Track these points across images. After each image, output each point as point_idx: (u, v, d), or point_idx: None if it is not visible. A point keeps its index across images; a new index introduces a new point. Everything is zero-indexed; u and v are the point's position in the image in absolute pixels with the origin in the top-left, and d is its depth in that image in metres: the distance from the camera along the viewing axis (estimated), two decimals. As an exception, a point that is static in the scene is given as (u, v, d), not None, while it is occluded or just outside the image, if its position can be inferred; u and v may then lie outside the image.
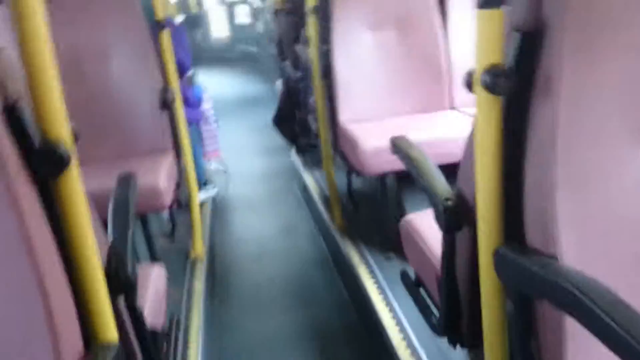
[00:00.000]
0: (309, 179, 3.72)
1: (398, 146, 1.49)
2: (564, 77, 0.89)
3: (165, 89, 2.40)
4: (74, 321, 0.92)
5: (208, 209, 3.49)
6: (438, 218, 1.24)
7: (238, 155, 4.86)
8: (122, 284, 1.06)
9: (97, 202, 1.08)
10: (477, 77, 0.99)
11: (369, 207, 2.92)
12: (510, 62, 0.96)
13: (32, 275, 0.82)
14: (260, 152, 5.09)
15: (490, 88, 0.96)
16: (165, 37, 2.39)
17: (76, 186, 0.88)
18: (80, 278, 0.93)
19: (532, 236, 0.98)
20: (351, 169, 2.51)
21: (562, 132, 0.90)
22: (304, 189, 3.78)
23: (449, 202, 1.21)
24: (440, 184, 1.28)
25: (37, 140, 0.84)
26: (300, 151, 4.22)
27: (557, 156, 0.90)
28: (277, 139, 4.48)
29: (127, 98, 2.41)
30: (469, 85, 1.05)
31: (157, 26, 2.36)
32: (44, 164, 0.84)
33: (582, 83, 0.90)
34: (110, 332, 0.95)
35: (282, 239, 3.32)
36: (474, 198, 1.08)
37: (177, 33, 2.72)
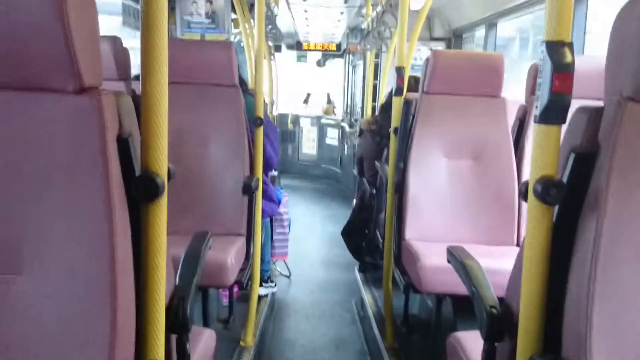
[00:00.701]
0: (367, 297, 3.73)
1: (454, 254, 1.54)
2: (610, 195, 0.95)
3: (250, 177, 2.61)
4: (131, 341, 1.01)
5: (266, 304, 3.56)
6: (481, 326, 1.26)
7: (304, 261, 4.97)
8: (179, 324, 1.16)
9: (173, 265, 1.23)
10: (531, 187, 1.07)
11: (423, 331, 2.88)
12: (564, 177, 1.04)
13: (108, 282, 0.94)
14: (325, 262, 5.17)
15: (542, 197, 1.03)
16: (259, 132, 2.65)
17: (162, 214, 1.03)
18: (146, 302, 1.04)
19: (568, 348, 0.99)
20: (409, 285, 2.53)
21: (605, 247, 0.94)
22: (361, 306, 3.78)
23: (494, 310, 1.24)
24: (489, 293, 1.32)
25: (138, 169, 1.00)
26: (364, 269, 4.27)
27: (597, 271, 0.94)
28: (344, 252, 4.56)
29: (216, 180, 2.64)
30: (524, 195, 1.12)
31: (254, 122, 2.63)
32: (141, 189, 1.00)
33: (628, 202, 0.95)
34: None
35: (331, 351, 3.30)
36: (518, 308, 1.11)
37: (271, 133, 2.99)
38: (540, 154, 1.05)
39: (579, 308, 0.96)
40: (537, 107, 1.05)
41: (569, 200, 1.03)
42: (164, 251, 1.04)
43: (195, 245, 1.45)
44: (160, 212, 1.02)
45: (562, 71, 1.01)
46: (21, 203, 0.95)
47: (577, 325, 0.95)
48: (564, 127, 1.09)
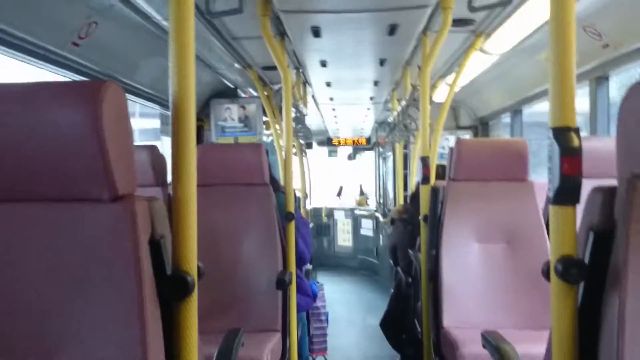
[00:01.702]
0: (411, 391, 3.60)
1: (489, 339, 1.52)
2: (630, 272, 0.96)
3: (283, 272, 2.64)
4: None
5: (305, 402, 3.46)
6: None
7: (344, 356, 4.84)
8: None
9: None
10: (552, 267, 1.08)
11: None
12: (586, 257, 1.06)
13: None
14: (366, 357, 5.02)
15: (563, 277, 1.05)
16: (291, 227, 2.72)
17: (193, 312, 1.08)
18: None
19: None
20: (451, 376, 2.45)
21: (629, 323, 0.94)
22: (405, 401, 3.64)
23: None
24: (525, 377, 1.29)
25: (169, 269, 1.07)
26: (405, 361, 4.13)
27: (624, 348, 0.93)
28: (385, 346, 4.44)
29: (249, 278, 2.68)
30: (546, 274, 1.14)
31: (286, 217, 2.70)
32: (173, 288, 1.06)
33: None
34: None
35: None
36: None
37: (302, 227, 3.06)
38: (558, 234, 1.08)
39: None
40: (549, 189, 1.09)
41: (592, 278, 1.04)
42: (195, 349, 1.08)
43: (227, 343, 1.48)
44: (191, 310, 1.07)
45: (570, 155, 1.06)
46: (60, 305, 1.02)
47: None
48: (581, 207, 1.12)
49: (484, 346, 1.57)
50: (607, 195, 1.08)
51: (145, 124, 5.51)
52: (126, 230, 1.01)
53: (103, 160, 1.00)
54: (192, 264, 1.10)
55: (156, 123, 5.22)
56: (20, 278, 1.03)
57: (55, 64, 2.72)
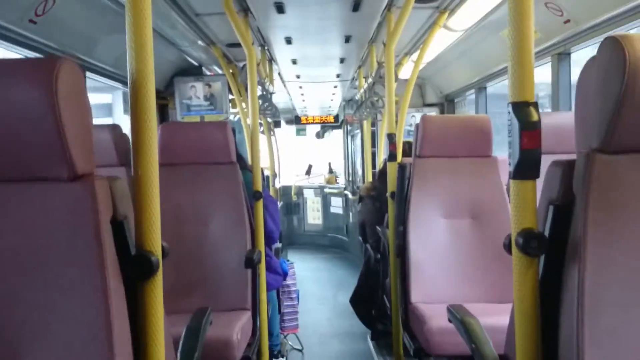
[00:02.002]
0: (382, 366, 3.66)
1: (454, 313, 1.55)
2: (588, 244, 0.99)
3: (252, 251, 2.64)
4: None
5: (277, 379, 3.49)
6: (483, 383, 1.27)
7: (316, 333, 4.89)
8: None
9: (174, 344, 1.25)
10: (513, 241, 1.10)
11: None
12: (545, 229, 1.08)
13: None
14: (338, 333, 5.08)
15: (524, 250, 1.07)
16: (259, 206, 2.70)
17: (158, 292, 1.06)
18: None
19: None
20: (419, 350, 2.49)
21: (589, 294, 0.97)
22: (376, 376, 3.70)
23: (494, 366, 1.24)
24: (488, 348, 1.32)
25: (133, 249, 1.05)
26: (376, 337, 4.20)
27: (584, 317, 0.96)
28: (356, 322, 4.50)
29: (217, 257, 2.66)
30: (508, 247, 1.16)
31: (254, 196, 2.69)
32: (137, 268, 1.04)
33: (605, 249, 0.99)
34: None
35: None
36: None
37: (271, 205, 3.05)
38: (519, 208, 1.09)
39: (571, 352, 0.97)
40: (510, 164, 1.10)
41: (552, 251, 1.07)
42: (161, 329, 1.07)
43: (195, 322, 1.47)
44: (156, 290, 1.06)
45: (529, 129, 1.07)
46: (20, 288, 0.99)
47: None
48: (541, 181, 1.14)
49: (449, 320, 1.60)
50: (565, 169, 1.10)
51: (97, 99, 5.36)
52: (86, 210, 0.99)
53: (60, 139, 0.97)
54: (156, 243, 1.08)
55: (108, 98, 5.10)
56: None
57: (12, 41, 2.63)
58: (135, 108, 1.10)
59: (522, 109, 1.08)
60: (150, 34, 1.11)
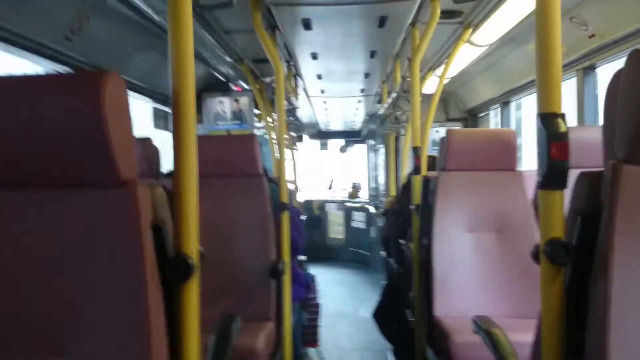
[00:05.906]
0: (403, 380, 3.64)
1: (480, 324, 1.56)
2: (615, 255, 1.00)
3: (277, 261, 2.67)
4: None
5: (299, 392, 3.49)
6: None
7: (336, 349, 4.88)
8: None
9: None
10: (541, 250, 1.12)
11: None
12: (573, 239, 1.10)
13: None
14: (359, 348, 5.06)
15: (551, 259, 1.09)
16: (285, 217, 2.74)
17: (195, 295, 1.10)
18: None
19: None
20: (443, 364, 2.49)
21: (615, 302, 0.98)
22: (397, 392, 3.68)
23: (521, 377, 1.25)
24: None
25: (171, 253, 1.10)
26: (397, 353, 4.17)
27: (610, 324, 0.97)
28: (377, 337, 4.48)
29: (243, 266, 2.70)
30: (535, 257, 1.17)
31: (279, 207, 2.73)
32: (175, 270, 1.09)
33: (634, 260, 1.00)
34: None
35: None
36: None
37: (295, 217, 3.08)
38: (547, 218, 1.11)
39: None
40: (538, 174, 1.12)
41: (579, 261, 1.08)
42: (197, 331, 1.11)
43: (224, 327, 1.51)
44: (193, 293, 1.10)
45: (557, 140, 1.09)
46: (65, 288, 1.04)
47: None
48: (569, 192, 1.16)
49: (475, 332, 1.60)
50: (593, 180, 1.12)
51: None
52: (129, 215, 1.04)
53: (105, 147, 1.03)
54: (193, 247, 1.13)
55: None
56: (25, 264, 1.06)
57: (48, 58, 2.73)
58: (177, 123, 1.16)
59: (551, 120, 1.10)
60: (192, 55, 1.17)
